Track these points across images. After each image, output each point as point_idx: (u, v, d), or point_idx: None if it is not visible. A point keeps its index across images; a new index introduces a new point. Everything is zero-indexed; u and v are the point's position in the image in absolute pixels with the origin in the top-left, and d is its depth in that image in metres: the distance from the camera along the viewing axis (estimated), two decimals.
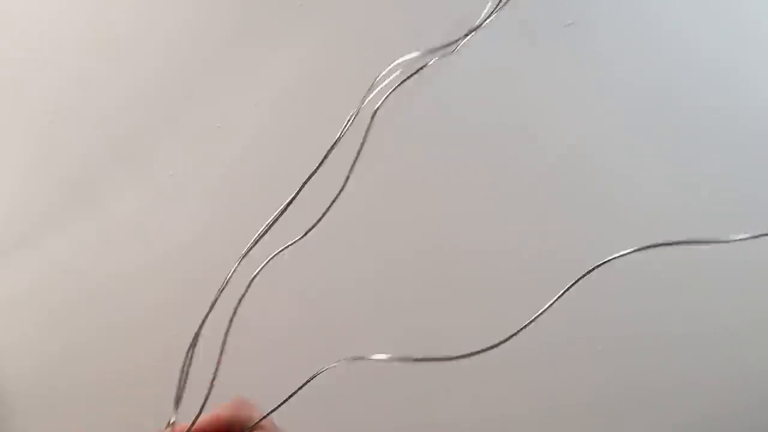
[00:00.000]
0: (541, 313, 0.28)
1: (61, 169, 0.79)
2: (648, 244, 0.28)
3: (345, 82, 0.87)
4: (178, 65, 0.81)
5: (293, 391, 0.29)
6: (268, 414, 0.32)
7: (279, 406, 0.31)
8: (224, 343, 0.33)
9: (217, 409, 0.34)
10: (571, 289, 0.28)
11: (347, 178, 0.32)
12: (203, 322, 0.31)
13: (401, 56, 0.32)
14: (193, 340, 0.32)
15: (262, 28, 0.82)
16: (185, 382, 0.32)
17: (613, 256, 0.28)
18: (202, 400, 0.31)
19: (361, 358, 0.28)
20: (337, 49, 0.83)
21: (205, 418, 0.33)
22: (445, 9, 0.84)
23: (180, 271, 0.79)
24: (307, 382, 0.29)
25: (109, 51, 0.80)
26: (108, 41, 0.80)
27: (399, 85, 0.31)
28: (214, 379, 0.32)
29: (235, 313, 0.32)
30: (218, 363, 0.32)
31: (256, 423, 0.33)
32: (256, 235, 0.32)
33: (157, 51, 0.80)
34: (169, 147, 0.80)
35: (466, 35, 0.30)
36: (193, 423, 0.32)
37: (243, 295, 0.32)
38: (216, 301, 0.32)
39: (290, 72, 0.82)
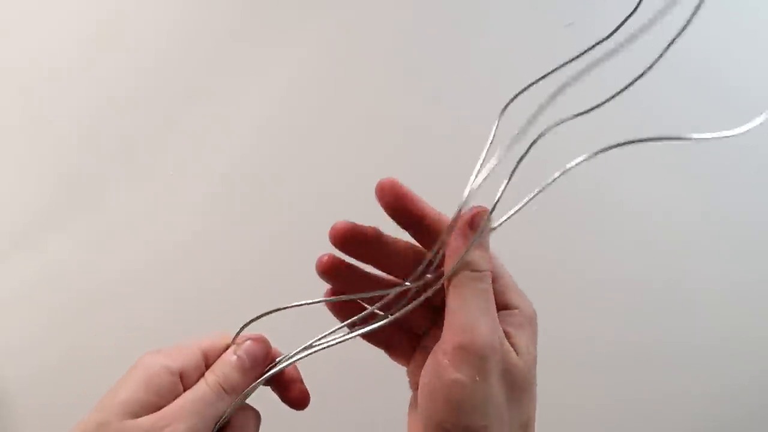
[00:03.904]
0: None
1: (61, 169, 0.79)
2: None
3: (345, 82, 0.87)
4: (178, 65, 0.81)
5: None
6: None
7: None
8: None
9: None
10: None
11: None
12: None
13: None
14: None
15: (263, 27, 0.82)
16: None
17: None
18: None
19: None
20: (338, 48, 0.83)
21: None
22: (444, 9, 0.84)
23: (180, 271, 0.78)
24: None
25: (109, 50, 0.80)
26: (108, 40, 0.80)
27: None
28: None
29: None
30: None
31: None
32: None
33: (157, 50, 0.80)
34: (169, 147, 0.80)
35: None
36: None
37: None
38: None
39: (291, 71, 0.82)
